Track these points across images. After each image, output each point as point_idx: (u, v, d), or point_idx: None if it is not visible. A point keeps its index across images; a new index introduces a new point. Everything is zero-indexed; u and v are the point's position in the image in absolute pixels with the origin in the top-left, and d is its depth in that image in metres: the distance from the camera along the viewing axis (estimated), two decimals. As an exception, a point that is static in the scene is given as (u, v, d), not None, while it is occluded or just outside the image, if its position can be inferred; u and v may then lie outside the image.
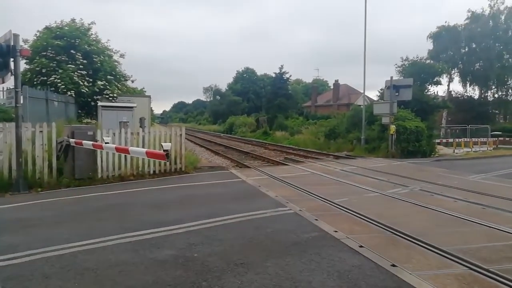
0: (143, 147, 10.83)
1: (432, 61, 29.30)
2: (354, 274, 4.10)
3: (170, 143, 6.16)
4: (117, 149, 7.49)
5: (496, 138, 25.24)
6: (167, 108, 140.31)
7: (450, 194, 8.46)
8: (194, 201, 7.97)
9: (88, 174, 10.06)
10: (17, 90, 8.81)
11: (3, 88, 21.05)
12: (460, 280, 4.00)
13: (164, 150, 5.66)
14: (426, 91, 22.96)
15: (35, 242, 4.97)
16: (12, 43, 8.31)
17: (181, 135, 12.17)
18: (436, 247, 4.93)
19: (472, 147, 20.93)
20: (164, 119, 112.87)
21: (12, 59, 8.52)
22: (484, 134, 24.29)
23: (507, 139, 26.16)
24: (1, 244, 4.94)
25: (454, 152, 19.56)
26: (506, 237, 5.48)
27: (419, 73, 23.55)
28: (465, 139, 22.32)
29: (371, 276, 4.06)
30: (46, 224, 6.08)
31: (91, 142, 8.66)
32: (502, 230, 5.76)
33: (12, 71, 8.57)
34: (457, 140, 21.06)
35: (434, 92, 24.94)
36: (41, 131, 9.63)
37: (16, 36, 8.44)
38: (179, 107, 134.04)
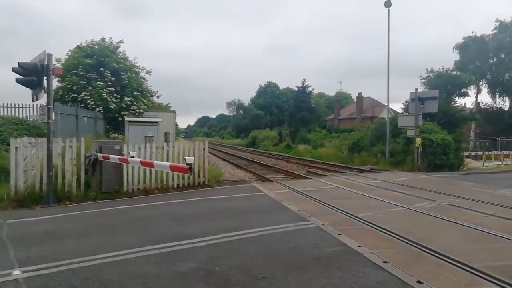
0: (167, 161, 11.04)
1: (458, 72, 28.55)
2: (378, 290, 4.01)
3: (193, 157, 6.25)
4: (142, 163, 7.68)
5: (530, 151, 24.21)
6: (192, 123, 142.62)
7: (480, 209, 8.15)
8: (216, 214, 8.02)
9: (115, 187, 10.33)
10: (49, 107, 9.23)
11: (36, 105, 22.15)
12: (490, 299, 3.85)
13: (187, 164, 5.77)
14: (452, 103, 22.34)
15: (62, 254, 5.13)
16: (46, 63, 8.75)
17: (204, 149, 12.33)
18: (464, 264, 4.76)
19: (503, 160, 20.13)
20: (189, 133, 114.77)
21: (45, 78, 8.95)
22: (516, 146, 23.36)
23: (541, 151, 25.03)
24: (31, 255, 5.13)
25: (483, 165, 18.88)
26: (540, 255, 5.22)
27: (445, 84, 22.98)
28: (495, 152, 21.53)
29: (396, 292, 3.95)
30: (73, 236, 6.26)
31: (118, 157, 8.91)
32: (536, 247, 5.50)
33: (45, 88, 8.99)
34: (486, 153, 20.35)
35: (462, 104, 24.23)
36: (70, 146, 10.00)
37: (49, 56, 8.90)
38: (203, 121, 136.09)
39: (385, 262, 4.84)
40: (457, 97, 23.70)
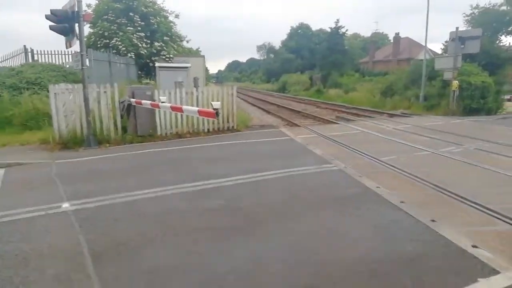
0: (197, 106, 11.37)
1: (507, 7, 26.16)
2: (391, 227, 4.26)
3: (219, 102, 6.49)
4: (172, 108, 8.00)
5: None
6: (222, 68, 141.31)
7: (509, 154, 8.02)
8: (243, 157, 8.39)
9: (149, 131, 10.87)
10: (82, 53, 9.56)
11: (71, 51, 22.76)
12: (501, 237, 4.01)
13: (214, 109, 6.02)
14: (498, 42, 20.77)
15: (106, 190, 5.70)
16: (76, 9, 8.94)
17: (232, 94, 12.50)
18: (481, 205, 4.89)
19: (547, 103, 19.02)
20: (219, 78, 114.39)
21: (76, 24, 9.18)
22: None
23: None
24: (78, 191, 5.74)
25: (525, 109, 17.97)
26: None
27: (491, 22, 21.23)
28: (540, 94, 20.27)
29: (409, 230, 4.19)
30: (115, 175, 6.86)
31: (149, 102, 9.29)
32: (560, 191, 5.49)
33: (77, 35, 9.27)
34: (530, 96, 19.25)
35: (509, 43, 22.49)
36: (105, 92, 10.45)
37: (79, 1, 9.04)
38: (234, 66, 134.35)
39: (402, 202, 5.04)
40: (504, 36, 21.97)
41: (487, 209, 4.79)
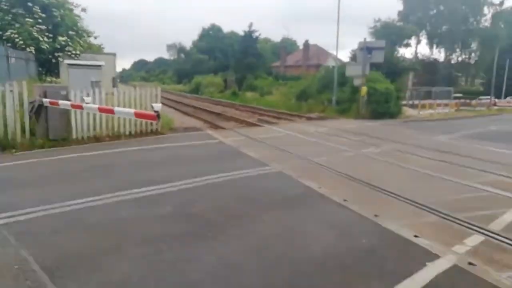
0: (117, 107, 10.66)
1: (402, 23, 29.80)
2: (343, 223, 4.55)
3: (160, 104, 6.17)
4: (101, 110, 7.37)
5: (458, 100, 26.64)
6: (127, 66, 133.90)
7: (420, 153, 9.13)
8: (178, 161, 8.11)
9: (63, 134, 9.87)
10: (-17, 46, 8.30)
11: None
12: (433, 227, 4.55)
13: (154, 111, 5.71)
14: (396, 53, 23.51)
15: (31, 201, 5.01)
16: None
17: (156, 95, 12.01)
18: (411, 200, 5.47)
19: (436, 108, 22.02)
20: (124, 77, 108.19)
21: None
22: (447, 96, 25.54)
23: (467, 101, 27.68)
24: (-4, 203, 4.94)
25: (419, 113, 20.54)
26: (470, 190, 6.14)
27: (390, 34, 24.00)
28: (430, 101, 23.39)
29: (358, 224, 4.52)
30: (35, 184, 6.07)
31: (69, 102, 8.44)
32: (467, 185, 6.41)
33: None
34: (422, 102, 22.05)
35: (403, 54, 25.64)
36: (11, 91, 9.22)
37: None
38: (140, 65, 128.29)
39: (345, 200, 5.39)
40: (400, 48, 24.94)
41: (415, 202, 5.37)
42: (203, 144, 10.28)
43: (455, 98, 26.93)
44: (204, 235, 4.06)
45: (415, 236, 4.21)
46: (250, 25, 47.25)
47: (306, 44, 49.58)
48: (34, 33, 20.81)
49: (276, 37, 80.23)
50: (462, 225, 4.59)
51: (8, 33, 20.17)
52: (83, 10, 25.80)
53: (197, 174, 6.59)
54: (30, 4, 21.25)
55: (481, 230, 4.43)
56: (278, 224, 4.45)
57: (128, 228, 4.23)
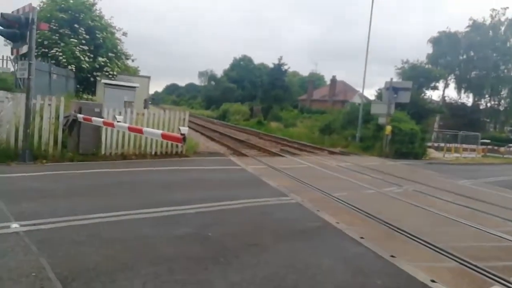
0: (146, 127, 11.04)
1: (430, 66, 29.89)
2: (358, 261, 4.50)
3: (187, 128, 6.41)
4: (130, 129, 7.70)
5: (485, 146, 26.00)
6: (159, 89, 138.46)
7: (442, 196, 8.94)
8: (199, 184, 8.27)
9: (92, 150, 10.26)
10: (30, 62, 8.92)
11: (3, 56, 21.00)
12: (452, 273, 4.44)
13: (181, 134, 5.94)
14: (422, 95, 23.47)
15: (56, 211, 5.24)
16: (31, 16, 8.40)
17: (184, 119, 12.40)
18: (430, 243, 5.35)
19: (462, 153, 21.58)
20: (155, 100, 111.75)
21: (28, 32, 8.60)
22: (474, 141, 25.00)
23: (495, 147, 26.96)
24: (23, 211, 5.19)
25: (444, 156, 20.18)
26: (492, 239, 5.95)
27: (417, 76, 24.07)
28: (456, 144, 22.98)
29: (373, 264, 4.46)
30: (62, 195, 6.33)
31: (102, 120, 8.86)
32: (489, 233, 6.23)
33: (28, 43, 8.66)
34: (447, 145, 21.70)
35: (430, 96, 25.55)
36: (49, 104, 9.77)
37: (34, 9, 8.55)
38: (172, 89, 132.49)
39: (362, 237, 5.34)
40: (427, 90, 24.88)
41: (435, 246, 5.26)
42: (225, 170, 10.45)
43: (483, 143, 26.30)
44: (218, 260, 4.12)
45: (432, 281, 4.11)
46: (280, 58, 48.41)
47: (334, 80, 50.07)
48: (76, 52, 22.11)
49: (305, 71, 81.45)
50: (482, 274, 4.45)
51: (53, 51, 21.53)
52: (124, 34, 27.32)
53: (217, 199, 6.70)
54: (76, 25, 22.70)
55: (502, 281, 4.29)
56: (293, 255, 4.46)
57: (145, 246, 4.34)
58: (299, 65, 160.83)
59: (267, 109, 41.77)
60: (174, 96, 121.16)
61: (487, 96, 42.04)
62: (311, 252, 4.63)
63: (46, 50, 21.47)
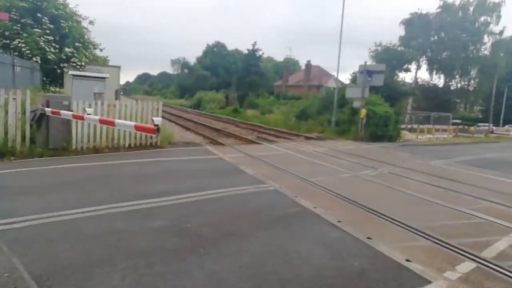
0: (118, 119, 10.75)
1: (403, 48, 30.40)
2: (336, 244, 4.56)
3: (160, 118, 6.27)
4: (101, 121, 7.45)
5: (456, 126, 26.86)
6: (130, 79, 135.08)
7: (416, 177, 9.18)
8: (176, 175, 8.16)
9: (62, 144, 9.92)
10: (-10, 54, 8.46)
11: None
12: (426, 251, 4.57)
13: (154, 125, 5.79)
14: (396, 77, 23.86)
15: (28, 209, 5.05)
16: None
17: (158, 109, 12.14)
18: (404, 224, 5.49)
19: (434, 133, 22.18)
20: (127, 90, 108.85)
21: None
22: (445, 121, 25.78)
23: (465, 127, 27.90)
24: (-8, 211, 4.97)
25: (417, 138, 20.70)
26: (463, 217, 6.16)
27: (390, 59, 24.41)
28: (428, 125, 23.60)
29: (351, 246, 4.54)
30: (32, 192, 6.09)
31: (71, 113, 8.54)
32: (460, 211, 6.44)
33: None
34: (420, 126, 22.27)
35: (403, 79, 26.04)
36: (14, 98, 9.33)
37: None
38: (144, 78, 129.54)
39: (339, 221, 5.41)
40: (400, 72, 25.30)
41: (409, 227, 5.39)
42: (201, 160, 10.34)
43: (454, 124, 27.15)
44: (197, 251, 4.09)
45: (407, 260, 4.22)
46: (254, 44, 47.97)
47: (308, 65, 50.20)
48: (41, 43, 21.19)
49: (279, 57, 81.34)
50: (454, 251, 4.61)
51: (15, 42, 20.54)
52: (91, 22, 26.39)
53: (193, 189, 6.63)
54: (39, 14, 21.70)
55: (473, 257, 4.44)
56: (272, 242, 4.47)
57: (121, 240, 4.25)
58: (273, 50, 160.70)
59: (242, 97, 41.56)
60: (146, 85, 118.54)
61: (457, 76, 43.23)
62: (290, 238, 4.65)
63: (8, 42, 20.47)
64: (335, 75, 23.83)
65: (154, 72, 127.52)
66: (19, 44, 20.49)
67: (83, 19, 25.79)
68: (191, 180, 7.63)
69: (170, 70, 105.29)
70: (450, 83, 42.88)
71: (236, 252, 4.11)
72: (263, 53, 49.48)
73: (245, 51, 50.46)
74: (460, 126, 27.82)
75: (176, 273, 3.57)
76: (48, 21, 21.90)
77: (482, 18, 40.82)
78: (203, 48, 78.98)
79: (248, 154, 11.56)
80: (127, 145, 11.30)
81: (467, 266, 4.21)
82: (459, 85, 43.16)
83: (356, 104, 18.11)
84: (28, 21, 21.25)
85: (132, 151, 10.94)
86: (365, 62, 18.31)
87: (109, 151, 10.61)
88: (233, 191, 6.76)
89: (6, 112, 9.22)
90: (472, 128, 27.69)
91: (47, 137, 9.70)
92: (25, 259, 3.63)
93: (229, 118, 31.82)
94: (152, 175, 7.97)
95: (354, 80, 21.58)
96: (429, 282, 3.77)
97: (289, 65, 65.90)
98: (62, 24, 22.88)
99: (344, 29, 20.31)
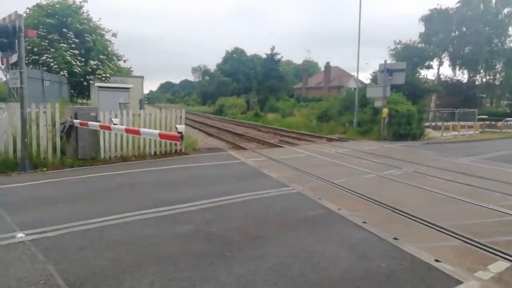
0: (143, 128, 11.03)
1: (423, 44, 29.81)
2: (361, 246, 4.54)
3: (183, 126, 6.42)
4: (128, 131, 7.70)
5: (483, 122, 25.98)
6: (154, 88, 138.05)
7: (442, 176, 8.97)
8: (200, 180, 8.29)
9: (91, 154, 10.27)
10: (21, 71, 8.88)
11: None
12: (455, 251, 4.48)
13: (178, 132, 5.95)
14: (417, 74, 23.38)
15: (59, 218, 5.27)
16: (18, 24, 8.34)
17: (181, 117, 12.39)
18: (432, 223, 5.40)
19: (460, 130, 21.57)
20: (151, 99, 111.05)
21: (17, 40, 8.55)
22: (471, 117, 24.97)
23: (493, 123, 26.94)
24: (28, 220, 5.22)
25: (442, 135, 20.17)
26: (494, 215, 5.99)
27: (411, 56, 23.93)
28: (453, 122, 22.95)
29: (377, 247, 4.50)
30: (64, 201, 6.35)
31: (98, 123, 8.85)
32: (490, 208, 6.27)
33: (18, 51, 8.61)
34: (445, 123, 21.69)
35: (425, 76, 25.47)
36: (44, 112, 9.74)
37: (20, 16, 8.47)
38: (166, 87, 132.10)
39: (364, 222, 5.38)
40: (421, 69, 24.77)
41: (437, 226, 5.30)
42: (225, 165, 10.47)
43: (480, 119, 26.28)
44: (223, 254, 4.16)
45: (436, 260, 4.16)
46: (273, 48, 48.02)
47: (328, 66, 49.91)
48: (67, 57, 21.99)
49: (298, 60, 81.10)
50: (486, 250, 4.49)
51: (44, 58, 21.40)
52: (114, 35, 27.15)
53: (218, 194, 6.74)
54: (65, 30, 22.54)
55: (506, 256, 4.32)
56: (297, 245, 4.50)
57: (149, 246, 4.38)
58: (292, 53, 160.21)
59: (263, 101, 41.68)
60: (169, 94, 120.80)
61: (482, 71, 41.84)
62: (315, 240, 4.67)
63: (37, 57, 21.35)
64: (355, 75, 23.58)
65: (176, 80, 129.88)
66: (47, 59, 21.34)
67: (106, 32, 26.61)
68: (216, 185, 7.75)
69: (191, 77, 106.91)
70: (474, 78, 41.54)
71: (262, 256, 4.16)
72: (282, 57, 49.48)
73: (264, 56, 50.64)
74: (487, 122, 26.90)
75: (204, 277, 3.65)
76: (73, 36, 22.72)
77: (506, 10, 39.49)
78: (223, 54, 79.79)
79: (270, 157, 11.61)
80: (152, 153, 11.58)
81: (500, 265, 4.10)
82: (484, 80, 41.73)
83: (378, 103, 17.87)
84: (55, 37, 22.11)
85: (158, 159, 11.19)
86: (385, 61, 18.07)
87: (135, 159, 10.90)
88: (257, 195, 6.82)
89: (38, 125, 9.64)
90: (499, 123, 26.73)
91: (76, 148, 10.07)
92: (59, 266, 3.80)
93: (250, 122, 31.99)
94: (178, 182, 8.14)
95: (374, 79, 21.29)
96: (460, 282, 3.69)
97: (308, 68, 65.66)
98: (86, 38, 23.68)
99: (363, 29, 20.12)
